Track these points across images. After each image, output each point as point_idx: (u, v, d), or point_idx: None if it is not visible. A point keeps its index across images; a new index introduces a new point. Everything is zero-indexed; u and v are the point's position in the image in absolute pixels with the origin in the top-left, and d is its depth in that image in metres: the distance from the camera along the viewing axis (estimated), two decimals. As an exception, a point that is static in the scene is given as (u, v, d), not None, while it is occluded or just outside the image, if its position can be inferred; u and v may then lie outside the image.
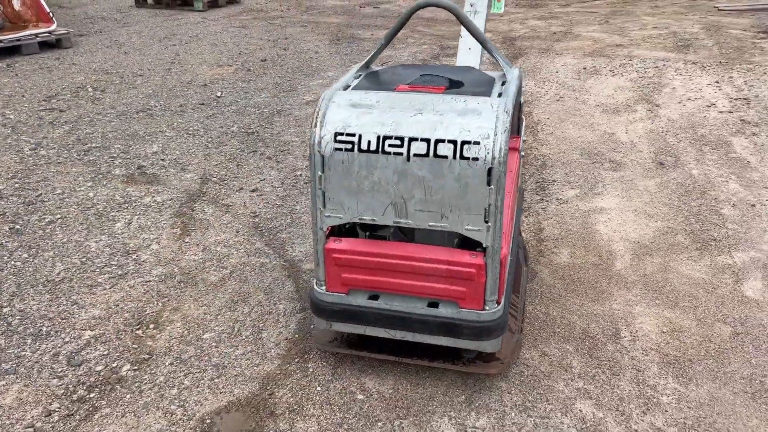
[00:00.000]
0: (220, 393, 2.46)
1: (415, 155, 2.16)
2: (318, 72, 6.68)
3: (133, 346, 2.71)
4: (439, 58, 7.08)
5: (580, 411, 2.36)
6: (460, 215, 2.19)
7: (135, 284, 3.13)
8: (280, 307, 2.96)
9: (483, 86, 2.41)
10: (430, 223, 2.23)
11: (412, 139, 2.16)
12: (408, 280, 2.33)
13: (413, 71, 2.60)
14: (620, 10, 9.82)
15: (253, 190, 4.08)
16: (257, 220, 3.73)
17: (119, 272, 3.23)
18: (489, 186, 2.12)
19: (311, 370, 2.57)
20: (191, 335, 2.77)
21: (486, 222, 2.18)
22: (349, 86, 2.47)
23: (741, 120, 5.06)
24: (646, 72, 6.36)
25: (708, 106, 5.39)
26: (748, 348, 2.67)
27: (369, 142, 2.19)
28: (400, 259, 2.31)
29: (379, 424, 2.31)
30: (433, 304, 2.37)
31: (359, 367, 2.58)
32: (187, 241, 3.51)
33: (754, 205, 3.79)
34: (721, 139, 4.74)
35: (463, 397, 2.43)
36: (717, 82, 5.96)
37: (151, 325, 2.83)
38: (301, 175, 4.29)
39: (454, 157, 2.12)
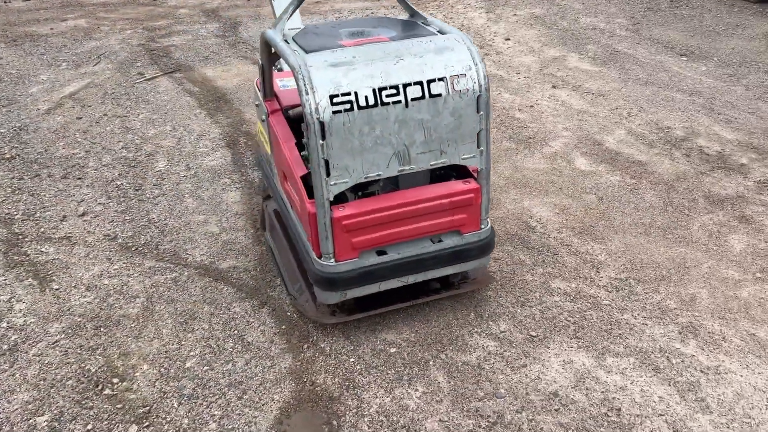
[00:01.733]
0: (264, 405, 2.28)
1: (412, 99, 2.27)
2: (27, 78, 5.74)
3: (117, 406, 2.29)
4: (156, 40, 6.65)
5: (559, 288, 2.81)
6: (457, 147, 2.39)
7: (41, 351, 2.56)
8: (237, 310, 2.76)
9: (417, 29, 2.57)
10: (431, 163, 2.38)
11: (406, 85, 2.26)
12: (414, 224, 2.45)
13: (333, 30, 2.62)
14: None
15: (81, 215, 3.52)
16: (120, 241, 3.27)
17: (5, 347, 2.59)
18: (479, 113, 2.36)
19: (328, 348, 2.53)
20: (173, 370, 2.44)
21: (479, 147, 2.41)
22: (295, 51, 2.40)
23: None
24: (361, 21, 6.95)
25: (435, 39, 6.22)
26: (608, 204, 3.43)
27: (366, 97, 2.22)
28: (407, 206, 2.41)
29: (431, 362, 2.44)
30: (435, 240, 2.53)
31: (367, 328, 2.62)
32: (56, 288, 2.94)
33: (532, 106, 4.66)
34: (467, 63, 5.58)
35: (472, 314, 2.68)
36: (424, 19, 6.86)
37: (115, 380, 2.41)
38: (121, 184, 3.82)
39: (448, 92, 2.29)
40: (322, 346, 2.54)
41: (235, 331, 2.63)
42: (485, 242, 2.58)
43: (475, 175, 2.52)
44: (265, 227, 3.27)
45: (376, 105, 2.23)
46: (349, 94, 2.20)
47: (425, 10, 7.21)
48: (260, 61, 2.82)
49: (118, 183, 3.83)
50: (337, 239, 2.36)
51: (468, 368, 2.41)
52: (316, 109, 2.17)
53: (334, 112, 2.19)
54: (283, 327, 2.65)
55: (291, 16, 2.60)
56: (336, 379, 2.38)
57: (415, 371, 2.40)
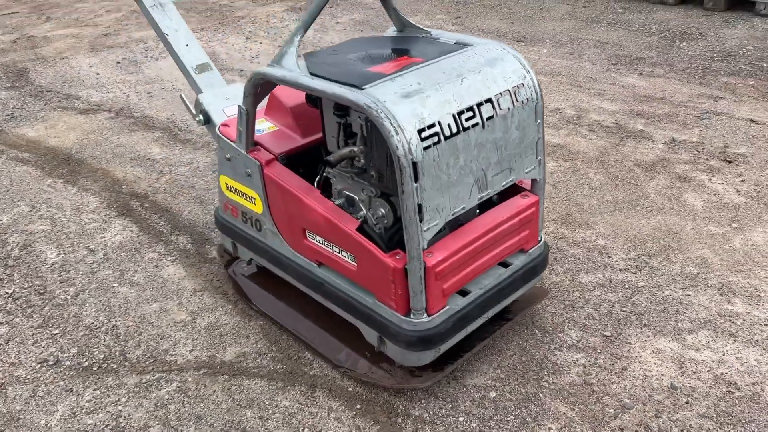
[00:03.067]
0: (411, 504, 1.92)
1: (487, 119, 2.06)
2: None
3: None
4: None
5: (590, 281, 2.80)
6: (522, 162, 2.23)
7: None
8: (287, 404, 2.30)
9: (440, 44, 2.33)
10: (503, 183, 2.19)
11: (479, 105, 2.04)
12: (491, 252, 2.24)
13: (340, 57, 2.28)
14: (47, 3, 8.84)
15: (-16, 344, 2.67)
16: (68, 363, 2.53)
17: None
18: (537, 121, 2.22)
19: (426, 415, 2.22)
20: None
21: (537, 157, 2.28)
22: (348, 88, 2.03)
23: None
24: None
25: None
26: (565, 190, 3.53)
27: (449, 125, 1.97)
28: (487, 234, 2.20)
29: (540, 394, 2.27)
30: (503, 265, 2.35)
31: (450, 379, 2.35)
32: (21, 450, 2.18)
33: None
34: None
35: (537, 332, 2.55)
36: (247, 39, 6.43)
37: None
38: (14, 292, 2.97)
39: (513, 105, 2.13)
40: (417, 414, 2.22)
41: (306, 429, 2.18)
42: (545, 255, 2.46)
43: (527, 186, 2.39)
44: (248, 298, 2.78)
45: (458, 132, 1.98)
46: (434, 125, 1.92)
47: (237, 27, 6.78)
48: (243, 107, 2.35)
49: (8, 291, 2.97)
50: (429, 290, 2.06)
51: (578, 388, 2.28)
52: (409, 149, 1.85)
53: (425, 149, 1.90)
54: (358, 407, 2.26)
55: (299, 45, 2.20)
56: (462, 446, 2.09)
57: (531, 409, 2.21)
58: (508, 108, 2.11)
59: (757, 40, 5.45)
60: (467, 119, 2.00)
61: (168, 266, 3.08)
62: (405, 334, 2.10)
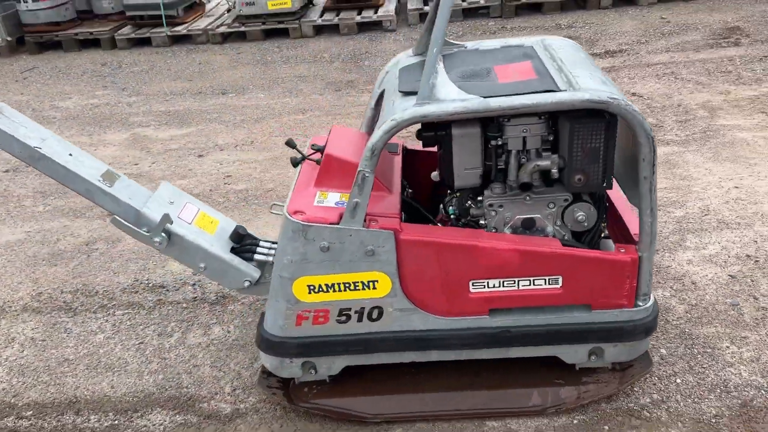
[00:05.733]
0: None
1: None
2: None
3: None
4: None
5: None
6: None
7: None
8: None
9: (500, 50, 2.28)
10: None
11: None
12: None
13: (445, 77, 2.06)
14: None
15: None
16: None
17: None
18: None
19: (656, 396, 2.23)
20: None
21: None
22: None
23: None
24: None
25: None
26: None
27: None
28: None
29: (694, 332, 2.50)
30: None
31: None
32: None
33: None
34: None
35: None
36: None
37: None
38: None
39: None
40: (648, 400, 2.20)
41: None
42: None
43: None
44: (359, 415, 2.22)
45: (625, 108, 2.06)
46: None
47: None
48: (367, 172, 1.89)
49: None
50: (649, 270, 2.09)
51: (698, 311, 2.57)
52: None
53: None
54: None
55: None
56: None
57: (694, 341, 2.42)
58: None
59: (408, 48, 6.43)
60: (616, 96, 2.09)
61: (197, 446, 2.19)
62: (641, 324, 2.08)
